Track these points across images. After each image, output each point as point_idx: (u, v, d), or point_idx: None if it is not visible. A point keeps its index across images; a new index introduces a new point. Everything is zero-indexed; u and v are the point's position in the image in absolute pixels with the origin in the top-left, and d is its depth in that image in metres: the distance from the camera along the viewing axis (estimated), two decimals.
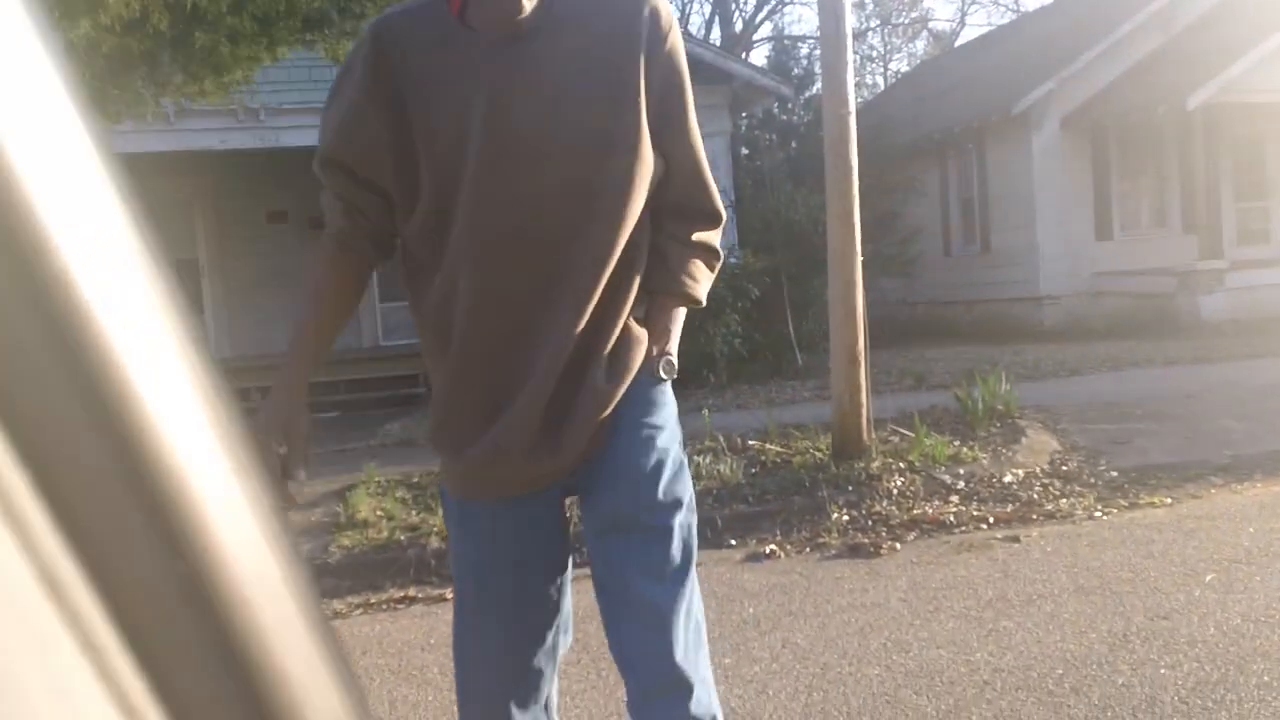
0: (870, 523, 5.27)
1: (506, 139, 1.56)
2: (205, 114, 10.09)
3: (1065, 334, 13.71)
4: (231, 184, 12.41)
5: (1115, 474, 5.92)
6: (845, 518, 5.34)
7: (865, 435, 6.20)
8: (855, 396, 6.20)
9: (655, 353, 1.72)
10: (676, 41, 1.66)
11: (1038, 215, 14.69)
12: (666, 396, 1.74)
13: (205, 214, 12.83)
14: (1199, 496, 5.44)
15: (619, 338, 1.67)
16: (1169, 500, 5.39)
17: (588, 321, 1.63)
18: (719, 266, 1.83)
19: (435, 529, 5.32)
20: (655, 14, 1.64)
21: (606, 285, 1.63)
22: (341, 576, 5.00)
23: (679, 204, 1.74)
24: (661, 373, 1.71)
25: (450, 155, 1.57)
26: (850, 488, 5.66)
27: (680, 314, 1.78)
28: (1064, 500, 5.50)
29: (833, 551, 4.92)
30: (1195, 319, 12.78)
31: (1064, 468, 6.09)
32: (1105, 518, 5.18)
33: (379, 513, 5.78)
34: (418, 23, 1.61)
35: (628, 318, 1.68)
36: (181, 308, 0.34)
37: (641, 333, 1.71)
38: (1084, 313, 14.31)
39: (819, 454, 6.30)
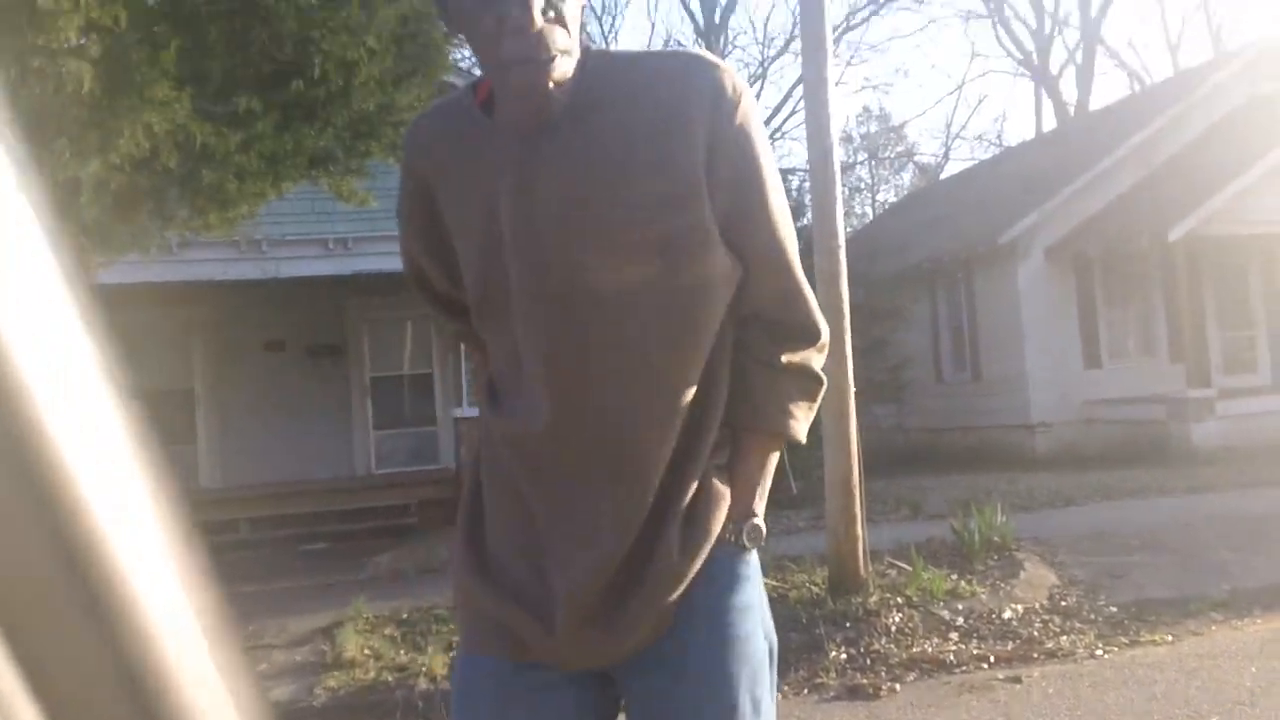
0: (869, 661, 5.18)
1: (534, 248, 1.34)
2: (208, 245, 10.22)
3: (1059, 462, 13.70)
4: (230, 313, 12.51)
5: (1115, 609, 5.86)
6: (843, 656, 5.25)
7: (862, 569, 6.15)
8: (851, 529, 6.17)
9: (739, 513, 1.41)
10: (749, 114, 1.37)
11: (1026, 343, 14.82)
12: (751, 568, 1.43)
13: (203, 343, 12.89)
14: (1199, 634, 5.37)
15: (697, 492, 1.38)
16: (1169, 637, 5.32)
17: (665, 470, 1.35)
18: (821, 396, 1.49)
19: (424, 669, 5.22)
20: (717, 84, 1.35)
21: (682, 425, 1.35)
22: None
23: (765, 316, 1.42)
24: (746, 541, 1.40)
25: (485, 261, 1.38)
26: (848, 624, 5.58)
27: (772, 460, 1.45)
28: (1064, 637, 5.43)
29: (831, 693, 4.83)
30: (1187, 447, 12.80)
31: (1063, 603, 6.02)
32: (1106, 656, 5.11)
33: (366, 651, 5.67)
34: (447, 119, 1.46)
35: (708, 465, 1.39)
36: (153, 443, 0.33)
37: (723, 488, 1.40)
38: (1076, 440, 14.34)
39: (815, 588, 6.23)
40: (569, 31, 1.30)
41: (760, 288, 1.41)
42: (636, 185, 1.33)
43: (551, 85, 1.29)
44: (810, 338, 1.45)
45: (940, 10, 27.73)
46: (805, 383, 1.46)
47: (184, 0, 4.91)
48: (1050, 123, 27.07)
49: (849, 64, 26.38)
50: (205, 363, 12.92)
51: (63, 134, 4.33)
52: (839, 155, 6.74)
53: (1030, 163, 18.46)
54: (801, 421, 1.45)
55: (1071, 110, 26.64)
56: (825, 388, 1.49)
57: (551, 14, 1.28)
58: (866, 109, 33.81)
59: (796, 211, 18.40)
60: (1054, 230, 14.94)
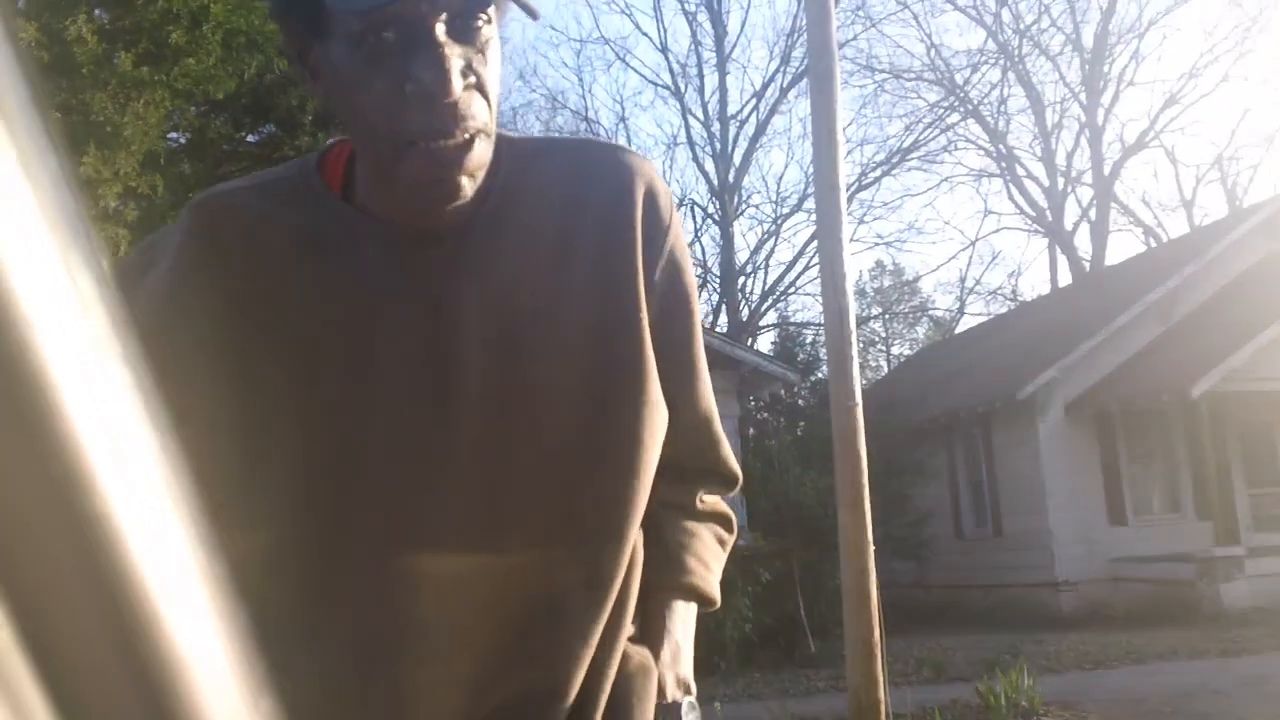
0: None
1: (446, 393, 1.01)
2: None
3: (1085, 621, 13.36)
4: None
5: None
6: None
7: None
8: (872, 692, 5.96)
9: (669, 686, 1.17)
10: (679, 235, 1.13)
11: (1049, 500, 14.64)
12: None
13: None
14: None
15: (619, 672, 1.12)
16: None
17: (579, 658, 1.07)
18: (730, 545, 1.30)
19: None
20: (652, 194, 1.11)
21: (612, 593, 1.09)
22: None
23: (681, 462, 1.18)
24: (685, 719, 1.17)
25: (336, 421, 1.00)
26: None
27: (691, 619, 1.22)
28: None
29: None
30: (1217, 607, 12.48)
31: None
32: None
33: None
34: (283, 204, 1.04)
35: (624, 640, 1.12)
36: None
37: (646, 658, 1.16)
38: (1103, 599, 14.01)
39: None
40: (489, 103, 0.97)
41: (682, 430, 1.15)
42: (580, 301, 1.05)
43: (464, 176, 0.95)
44: (728, 483, 1.26)
45: (952, 169, 28.44)
46: (720, 529, 1.27)
47: (219, 168, 5.04)
48: (1066, 278, 27.36)
49: (861, 221, 26.85)
50: None
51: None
52: (853, 313, 6.76)
53: (1047, 318, 18.56)
54: (717, 573, 1.24)
55: (1087, 266, 26.93)
56: (735, 537, 1.30)
57: (472, 79, 0.95)
58: (880, 263, 34.32)
59: (810, 366, 18.51)
60: (1074, 386, 14.91)
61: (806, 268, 25.28)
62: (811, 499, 11.99)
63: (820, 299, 6.43)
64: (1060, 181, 27.89)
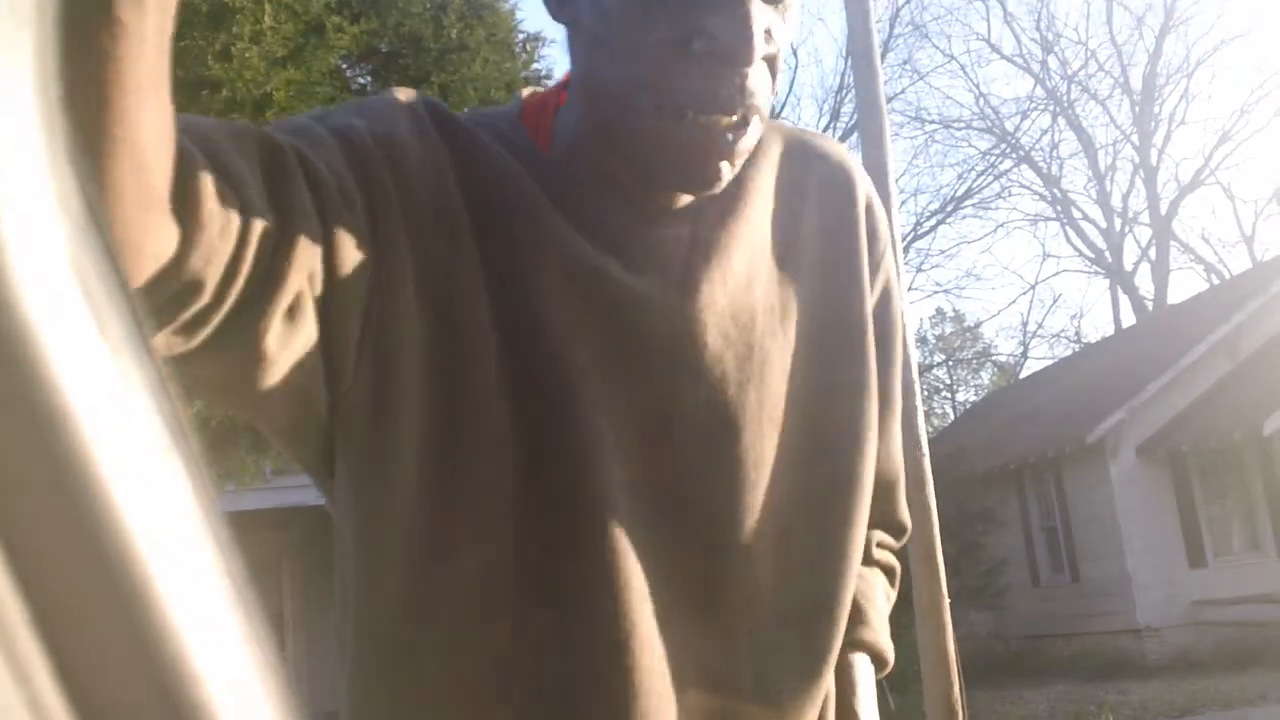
0: None
1: (695, 393, 0.85)
2: (300, 471, 10.47)
3: (1170, 668, 13.04)
4: (320, 537, 12.69)
5: None
6: None
7: None
8: None
9: None
10: (891, 253, 1.02)
11: (1125, 544, 14.36)
12: None
13: (293, 568, 13.04)
14: None
15: None
16: None
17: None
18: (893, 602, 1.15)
19: None
20: (873, 202, 0.99)
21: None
22: None
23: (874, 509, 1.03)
24: None
25: (575, 416, 0.81)
26: None
27: (872, 683, 1.04)
28: None
29: None
30: None
31: None
32: None
33: None
34: (498, 148, 0.85)
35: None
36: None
37: None
38: (1187, 645, 13.66)
39: None
40: (775, 78, 0.82)
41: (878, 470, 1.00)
42: (798, 319, 0.92)
43: (728, 162, 0.79)
44: (900, 532, 1.12)
45: (1008, 215, 28.33)
46: (891, 586, 1.13)
47: None
48: (1129, 318, 27.04)
49: (920, 269, 26.80)
50: (294, 589, 13.03)
51: (168, 377, 4.54)
52: (917, 361, 6.79)
53: (1112, 359, 18.33)
54: (887, 629, 1.09)
55: (1149, 305, 26.61)
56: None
57: (771, 48, 0.79)
58: (940, 310, 34.17)
59: None
60: (1144, 427, 14.69)
61: None
62: None
63: None
64: (1117, 222, 27.66)
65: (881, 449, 0.98)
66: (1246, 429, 13.08)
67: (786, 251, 0.92)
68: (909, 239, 25.13)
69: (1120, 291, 28.08)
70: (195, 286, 0.63)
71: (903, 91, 26.52)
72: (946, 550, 6.67)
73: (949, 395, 33.23)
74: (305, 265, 0.71)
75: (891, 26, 25.50)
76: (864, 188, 0.99)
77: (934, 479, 6.45)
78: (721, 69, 0.76)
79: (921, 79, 27.53)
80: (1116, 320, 28.22)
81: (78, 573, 0.25)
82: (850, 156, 1.00)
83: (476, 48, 5.77)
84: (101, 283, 0.27)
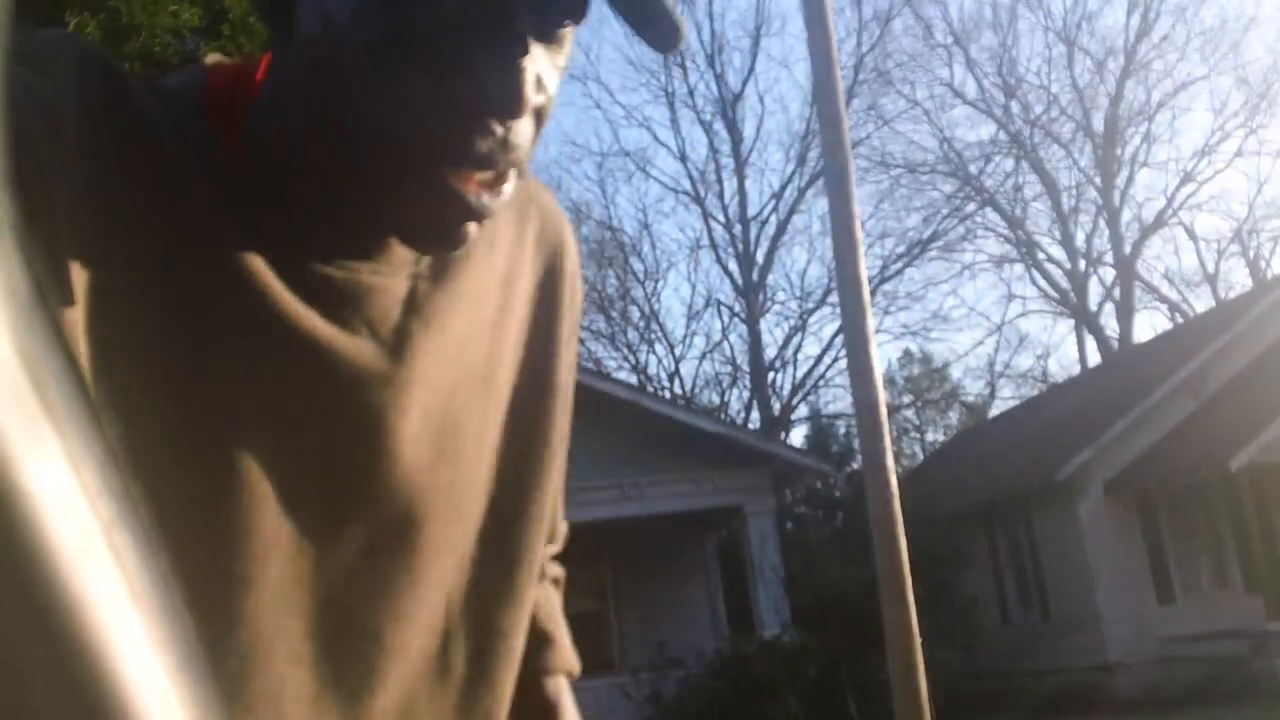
0: None
1: (379, 466, 0.73)
2: None
3: (1141, 705, 13.09)
4: None
5: None
6: None
7: None
8: None
9: None
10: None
11: (1095, 581, 14.46)
12: None
13: None
14: None
15: None
16: None
17: None
18: None
19: None
20: (576, 264, 0.92)
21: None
22: None
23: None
24: None
25: (248, 475, 0.67)
26: None
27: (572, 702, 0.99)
28: None
29: None
30: (1274, 683, 12.20)
31: None
32: None
33: None
34: (172, 138, 0.67)
35: None
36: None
37: None
38: (1157, 681, 13.73)
39: None
40: (539, 131, 0.69)
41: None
42: (502, 385, 0.83)
43: (477, 223, 0.67)
44: (560, 539, 1.00)
45: (973, 257, 28.63)
46: (558, 591, 1.05)
47: None
48: (1095, 358, 27.34)
49: (887, 312, 27.01)
50: None
51: None
52: (884, 404, 6.84)
53: (1079, 399, 18.53)
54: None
55: (1115, 344, 26.93)
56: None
57: (540, 98, 0.67)
58: (908, 352, 34.32)
59: (845, 457, 18.48)
60: (1111, 465, 14.83)
61: (835, 359, 25.39)
62: (855, 591, 11.91)
63: (850, 391, 6.50)
64: (1081, 263, 28.05)
65: (558, 481, 0.91)
66: (1213, 466, 13.24)
67: (500, 312, 0.81)
68: (876, 282, 25.37)
69: (1086, 331, 28.43)
70: None
71: (868, 137, 26.88)
72: (917, 590, 6.70)
73: (918, 436, 33.43)
74: None
75: (856, 73, 25.91)
76: (573, 245, 0.90)
77: (903, 519, 6.51)
78: (483, 120, 0.63)
79: (886, 124, 27.80)
80: (1082, 360, 28.54)
81: (30, 654, 0.26)
82: (559, 209, 0.89)
83: None
84: (47, 362, 0.27)
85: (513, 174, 0.67)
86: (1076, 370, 27.33)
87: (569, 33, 0.67)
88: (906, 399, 32.86)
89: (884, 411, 6.39)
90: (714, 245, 27.07)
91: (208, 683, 0.30)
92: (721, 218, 26.82)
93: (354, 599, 0.72)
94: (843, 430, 21.09)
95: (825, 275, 26.09)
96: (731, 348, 27.36)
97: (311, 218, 0.70)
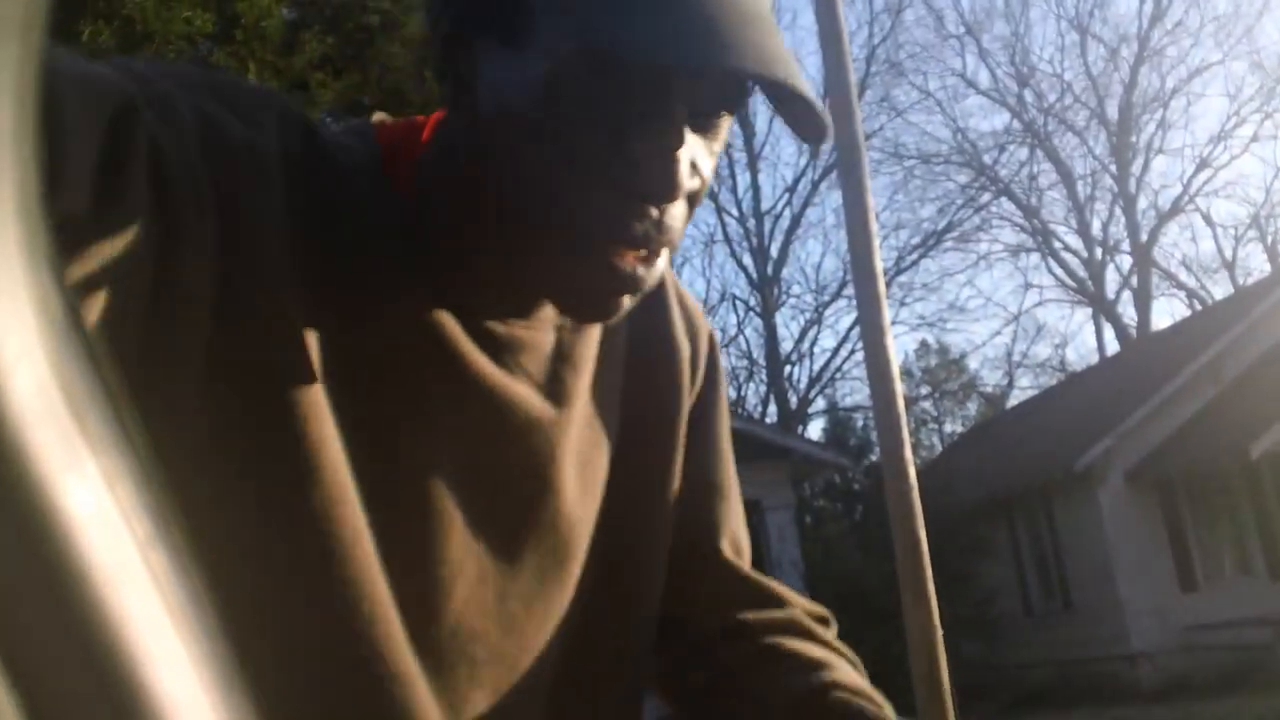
0: None
1: (548, 539, 0.80)
2: None
3: (1165, 694, 13.04)
4: None
5: None
6: None
7: None
8: None
9: None
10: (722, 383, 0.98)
11: (1117, 570, 14.40)
12: None
13: None
14: None
15: None
16: None
17: None
18: None
19: None
20: (714, 349, 0.97)
21: None
22: None
23: None
24: None
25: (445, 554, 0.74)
26: None
27: None
28: None
29: None
30: None
31: None
32: None
33: None
34: (355, 217, 0.73)
35: None
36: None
37: None
38: (1181, 670, 13.67)
39: None
40: (692, 212, 0.73)
41: None
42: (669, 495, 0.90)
43: (630, 298, 0.71)
44: (745, 554, 1.04)
45: (989, 247, 28.52)
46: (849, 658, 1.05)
47: None
48: (1113, 346, 27.22)
49: (903, 304, 26.94)
50: None
51: None
52: (902, 395, 6.82)
53: (1098, 387, 18.45)
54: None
55: (1133, 332, 26.79)
56: None
57: (695, 183, 0.70)
58: (924, 343, 34.23)
59: (863, 449, 18.45)
60: (1131, 454, 14.77)
61: (852, 352, 25.32)
62: (875, 583, 11.91)
63: (867, 383, 6.52)
64: (1098, 252, 27.90)
65: (734, 532, 0.96)
66: (1233, 453, 13.17)
67: (609, 370, 0.86)
68: (891, 274, 25.29)
69: (1103, 320, 28.28)
70: None
71: (881, 128, 26.78)
72: (937, 582, 6.68)
73: (936, 427, 33.32)
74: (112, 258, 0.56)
75: (868, 65, 25.84)
76: (705, 332, 0.95)
77: (923, 510, 6.50)
78: (640, 204, 0.67)
79: (899, 115, 27.73)
80: (1100, 349, 28.40)
81: (71, 674, 0.26)
82: (693, 301, 0.95)
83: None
84: (82, 383, 0.27)
85: (665, 252, 0.71)
86: (1095, 359, 27.21)
87: (726, 121, 0.72)
88: (924, 390, 32.76)
89: (901, 403, 6.38)
90: (728, 240, 27.05)
91: (245, 699, 0.30)
92: (735, 212, 26.78)
93: (531, 625, 0.79)
94: (860, 423, 21.07)
95: (840, 268, 26.03)
96: (747, 342, 27.31)
97: (472, 276, 0.75)
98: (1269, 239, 28.37)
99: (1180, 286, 28.81)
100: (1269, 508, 13.43)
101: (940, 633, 6.56)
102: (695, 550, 0.93)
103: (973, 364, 36.18)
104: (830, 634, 1.00)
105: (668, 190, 0.67)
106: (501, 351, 0.76)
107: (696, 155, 0.70)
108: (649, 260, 0.70)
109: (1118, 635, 14.31)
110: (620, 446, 0.87)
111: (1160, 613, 14.14)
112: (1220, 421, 14.31)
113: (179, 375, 0.63)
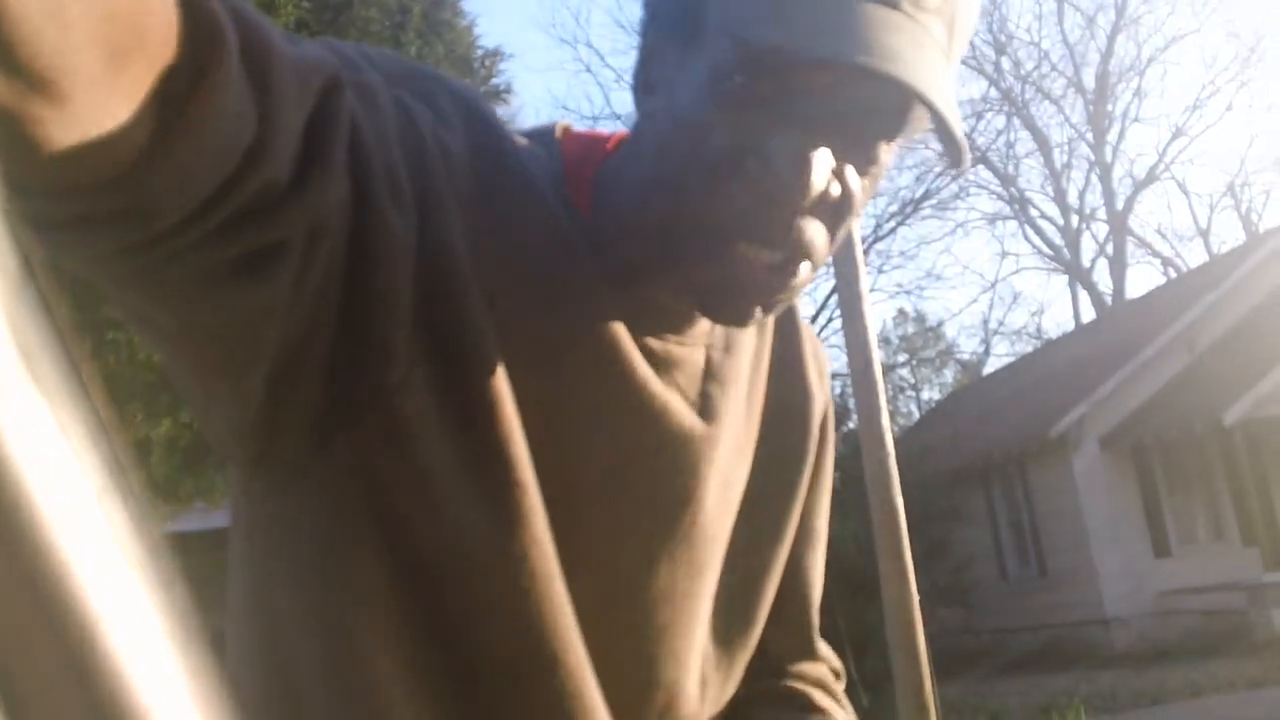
0: None
1: (690, 537, 0.80)
2: None
3: (1138, 657, 13.20)
4: None
5: None
6: None
7: None
8: None
9: None
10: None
11: (1091, 536, 14.53)
12: None
13: None
14: None
15: None
16: None
17: None
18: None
19: None
20: (827, 415, 0.96)
21: None
22: None
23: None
24: None
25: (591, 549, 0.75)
26: None
27: None
28: None
29: None
30: (1271, 634, 12.31)
31: None
32: None
33: None
34: (535, 220, 0.74)
35: None
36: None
37: None
38: (1154, 634, 13.84)
39: None
40: (838, 231, 0.71)
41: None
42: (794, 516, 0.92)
43: (762, 307, 0.72)
44: (816, 657, 1.05)
45: (966, 215, 28.52)
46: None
47: None
48: (1088, 314, 27.37)
49: (881, 271, 26.85)
50: None
51: (135, 398, 4.57)
52: (879, 362, 6.84)
53: (1073, 354, 18.54)
54: None
55: (1108, 300, 26.94)
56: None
57: (838, 191, 0.69)
58: (902, 311, 34.30)
59: (841, 416, 18.52)
60: (1106, 420, 14.87)
61: (830, 319, 25.35)
62: (852, 550, 11.96)
63: (845, 350, 6.52)
64: (1074, 220, 28.01)
65: (814, 579, 0.97)
66: (1207, 420, 13.28)
67: (751, 387, 0.87)
68: (869, 241, 25.27)
69: (1079, 287, 28.42)
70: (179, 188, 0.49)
71: None
72: (914, 548, 6.73)
73: (913, 394, 33.48)
74: (320, 219, 0.59)
75: None
76: (819, 363, 0.95)
77: (900, 478, 6.52)
78: (770, 200, 0.66)
79: None
80: (1076, 316, 28.55)
81: (17, 615, 0.26)
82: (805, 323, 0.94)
83: (436, 64, 5.78)
84: (36, 333, 0.27)
85: (804, 266, 0.70)
86: (1070, 326, 27.36)
87: (884, 148, 0.70)
88: (901, 358, 32.87)
89: (879, 370, 6.39)
90: None
91: (200, 649, 0.30)
92: None
93: (651, 633, 0.79)
94: (838, 390, 21.09)
95: None
96: None
97: (636, 282, 0.76)
98: (1243, 207, 28.54)
99: (1155, 254, 28.98)
100: (1242, 474, 13.55)
101: (917, 599, 6.60)
102: (782, 588, 0.93)
103: (950, 331, 36.38)
104: (841, 688, 1.02)
105: (798, 190, 0.65)
106: (658, 366, 0.78)
107: (844, 169, 0.68)
108: (783, 270, 0.69)
109: (1092, 601, 14.46)
110: (753, 472, 0.87)
111: (1134, 578, 14.29)
112: (1194, 388, 14.42)
113: (389, 320, 0.64)
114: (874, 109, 0.67)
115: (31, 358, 0.27)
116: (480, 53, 6.28)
